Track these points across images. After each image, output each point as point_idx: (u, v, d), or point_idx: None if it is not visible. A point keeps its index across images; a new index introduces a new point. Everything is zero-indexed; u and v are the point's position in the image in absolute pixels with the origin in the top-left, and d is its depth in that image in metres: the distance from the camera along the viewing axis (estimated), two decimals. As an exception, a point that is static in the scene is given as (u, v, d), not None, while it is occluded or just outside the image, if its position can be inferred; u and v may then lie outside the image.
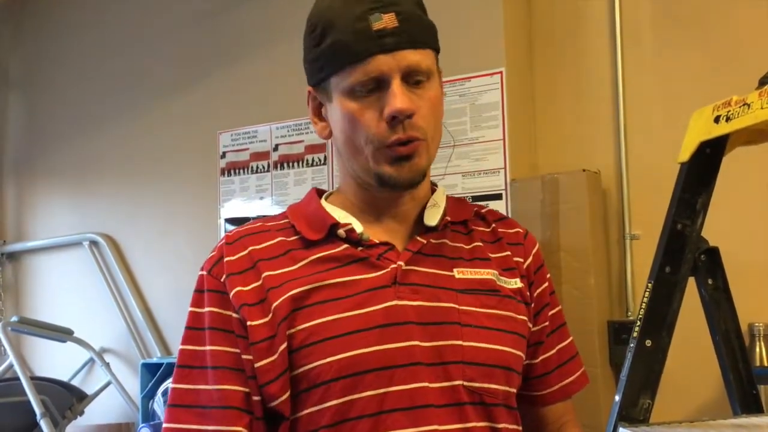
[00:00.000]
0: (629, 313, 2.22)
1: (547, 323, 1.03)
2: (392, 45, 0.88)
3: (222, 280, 0.94)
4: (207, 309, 0.94)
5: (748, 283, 1.70)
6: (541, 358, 1.02)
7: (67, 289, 3.24)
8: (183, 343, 0.95)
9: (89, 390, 2.87)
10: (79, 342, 2.92)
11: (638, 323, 1.27)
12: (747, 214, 2.10)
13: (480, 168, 2.27)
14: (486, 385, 0.91)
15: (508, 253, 1.02)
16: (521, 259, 1.02)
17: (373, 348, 0.88)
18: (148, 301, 2.98)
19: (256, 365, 0.90)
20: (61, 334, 2.87)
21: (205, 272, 0.96)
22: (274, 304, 0.91)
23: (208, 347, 0.92)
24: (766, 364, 1.88)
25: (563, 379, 1.03)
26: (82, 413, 2.81)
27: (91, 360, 3.03)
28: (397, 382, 0.87)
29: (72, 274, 3.22)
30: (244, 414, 0.90)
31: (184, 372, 0.94)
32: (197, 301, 0.96)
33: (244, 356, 0.91)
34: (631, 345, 1.27)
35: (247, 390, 0.90)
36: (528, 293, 1.01)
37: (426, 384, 0.88)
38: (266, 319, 0.90)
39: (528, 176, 2.26)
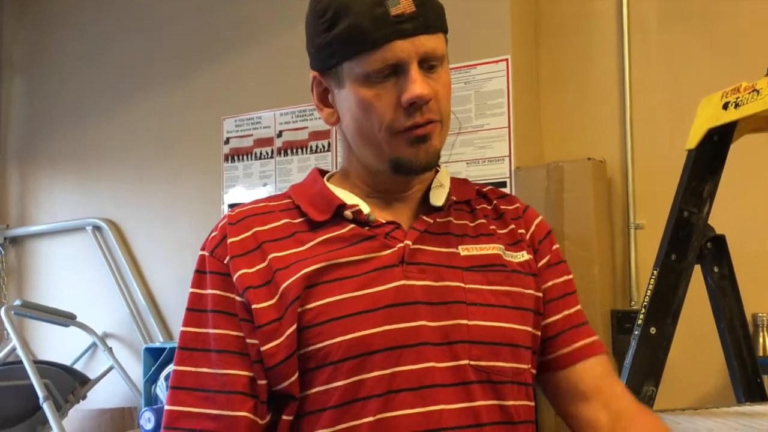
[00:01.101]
0: (633, 303, 2.21)
1: (551, 285, 1.01)
2: (410, 31, 0.87)
3: (225, 261, 0.92)
4: (209, 291, 0.92)
5: (752, 273, 1.69)
6: (548, 321, 1.00)
7: (70, 274, 3.25)
8: (185, 325, 0.93)
9: (92, 375, 2.88)
10: (82, 326, 2.93)
11: (643, 311, 1.27)
12: (754, 202, 2.09)
13: (484, 156, 2.26)
14: (492, 363, 0.90)
15: (512, 227, 1.01)
16: (524, 231, 1.01)
17: (381, 328, 0.87)
18: (150, 286, 2.98)
19: (262, 349, 0.88)
20: (64, 318, 2.87)
21: (207, 253, 0.94)
22: (283, 285, 0.89)
23: (211, 330, 0.91)
24: (769, 355, 1.87)
25: (576, 341, 0.99)
26: (84, 397, 2.81)
27: (93, 345, 3.03)
28: (404, 362, 0.87)
29: (75, 259, 3.23)
30: (248, 398, 0.89)
31: (186, 354, 0.92)
32: (199, 282, 0.94)
33: (248, 340, 0.89)
34: (636, 332, 1.27)
35: (251, 374, 0.89)
36: (535, 264, 1.00)
37: (433, 364, 0.87)
38: (273, 301, 0.89)
39: (533, 164, 2.25)
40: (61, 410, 2.56)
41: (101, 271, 3.08)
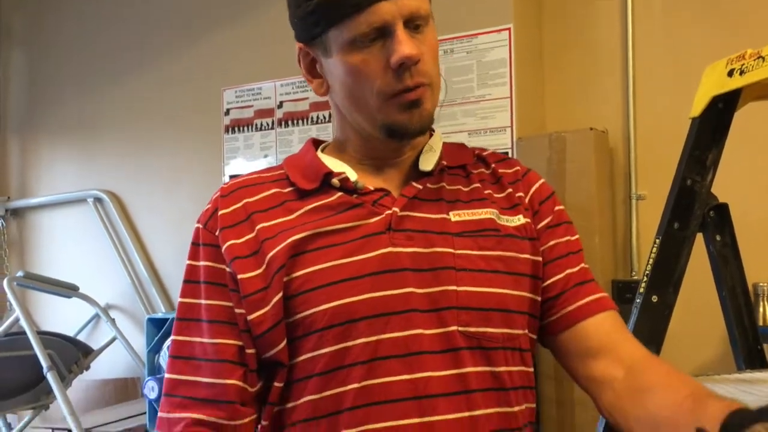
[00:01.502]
0: (634, 273, 2.22)
1: (552, 246, 1.00)
2: None
3: (216, 233, 0.94)
4: (202, 263, 0.94)
5: (753, 243, 1.69)
6: (549, 281, 0.98)
7: (71, 246, 3.25)
8: (181, 296, 0.96)
9: (95, 346, 2.89)
10: (85, 298, 2.94)
11: (645, 279, 1.27)
12: (757, 171, 2.08)
13: (486, 126, 2.25)
14: (482, 329, 0.90)
15: (510, 190, 1.00)
16: (522, 194, 1.00)
17: (366, 295, 0.87)
18: (152, 257, 2.99)
19: (249, 318, 0.90)
20: (67, 290, 2.88)
21: (200, 225, 0.97)
22: (269, 255, 0.90)
23: (203, 301, 0.93)
24: (769, 324, 1.88)
25: (580, 298, 0.96)
26: (88, 368, 2.83)
27: (96, 316, 3.05)
28: (391, 329, 0.87)
29: (76, 231, 3.23)
30: (237, 367, 0.91)
31: (183, 324, 0.95)
32: (193, 255, 0.96)
33: (237, 310, 0.91)
34: (637, 301, 1.27)
35: (240, 343, 0.91)
36: (533, 228, 0.99)
37: (421, 331, 0.88)
38: (260, 271, 0.90)
39: (535, 134, 2.24)
40: (64, 380, 2.58)
41: (103, 243, 3.09)
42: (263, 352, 0.91)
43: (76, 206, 3.23)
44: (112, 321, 2.92)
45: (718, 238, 1.29)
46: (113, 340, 2.91)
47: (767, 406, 0.65)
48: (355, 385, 0.87)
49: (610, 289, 2.15)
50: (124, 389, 2.82)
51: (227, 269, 0.92)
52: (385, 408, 0.86)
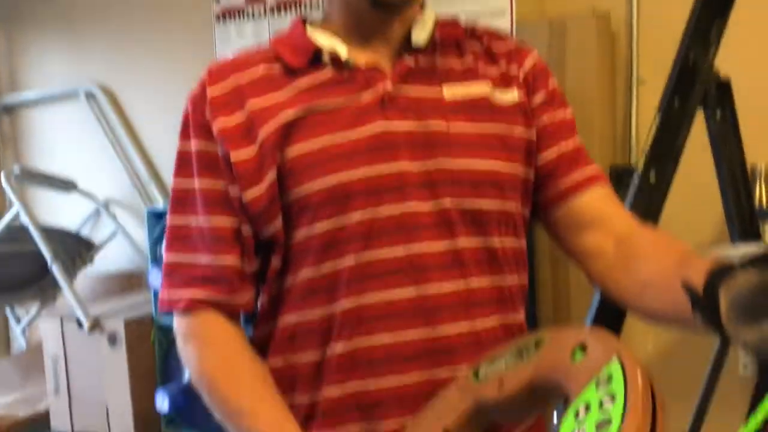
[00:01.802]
0: (633, 160, 2.21)
1: (546, 120, 0.99)
2: None
3: (206, 113, 0.93)
4: (193, 143, 0.94)
5: (754, 122, 1.67)
6: (543, 155, 0.99)
7: (66, 143, 3.23)
8: (174, 179, 0.97)
9: (96, 241, 2.93)
10: (84, 193, 2.94)
11: (644, 157, 1.27)
12: (762, 48, 2.03)
13: (483, 8, 2.18)
14: (476, 203, 0.91)
15: (503, 65, 0.98)
16: (515, 69, 0.99)
17: (360, 170, 0.88)
18: (148, 150, 2.98)
19: (244, 195, 0.91)
20: (65, 185, 2.88)
21: (189, 106, 0.96)
22: (262, 132, 0.90)
23: (196, 181, 0.93)
24: (765, 206, 1.89)
25: (574, 171, 0.96)
26: (92, 261, 2.88)
27: (96, 212, 3.06)
28: (385, 203, 0.88)
29: (70, 127, 3.20)
30: (234, 246, 0.92)
31: (178, 207, 0.95)
32: (184, 136, 0.96)
33: (231, 189, 0.91)
34: (635, 179, 1.27)
35: (236, 223, 0.92)
36: (527, 102, 0.98)
37: (415, 204, 0.88)
38: (252, 148, 0.90)
39: (535, 19, 2.18)
40: (69, 274, 2.62)
41: (97, 138, 3.06)
42: (259, 230, 0.92)
43: (68, 102, 3.18)
44: (113, 215, 2.94)
45: (718, 115, 1.28)
46: (115, 233, 2.94)
47: (751, 255, 0.67)
48: (351, 260, 0.88)
49: (608, 175, 2.15)
50: (128, 282, 2.87)
51: (219, 148, 0.92)
52: (381, 281, 0.88)
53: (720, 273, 0.70)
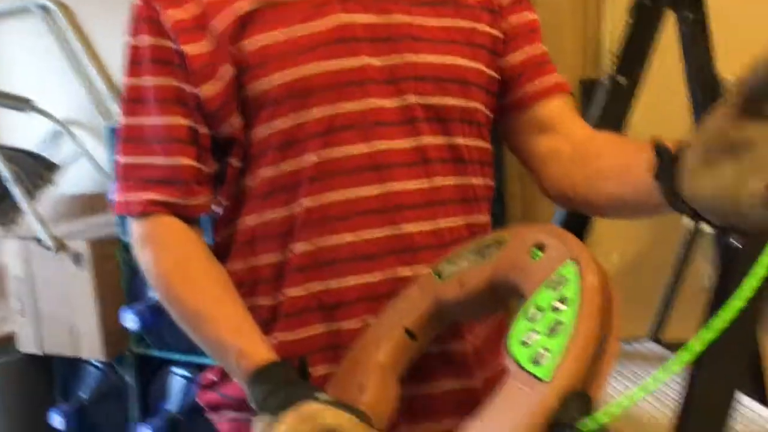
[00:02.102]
0: (603, 73, 2.19)
1: (512, 22, 0.97)
2: None
3: (156, 6, 0.89)
4: (143, 39, 0.90)
5: (725, 32, 1.65)
6: (508, 58, 0.97)
7: (21, 60, 3.11)
8: (125, 75, 0.93)
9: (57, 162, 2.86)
10: (40, 111, 2.85)
11: (614, 60, 1.25)
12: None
13: None
14: (440, 100, 0.89)
15: None
16: None
17: (319, 65, 0.85)
18: (106, 66, 2.88)
19: (200, 92, 0.88)
20: (18, 102, 2.78)
21: (138, 0, 0.91)
22: (216, 25, 0.87)
23: (149, 80, 0.90)
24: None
25: (537, 78, 0.96)
26: (53, 182, 2.81)
27: (54, 131, 2.97)
28: (347, 100, 0.86)
29: (25, 43, 3.07)
30: (190, 146, 0.89)
31: (130, 106, 0.92)
32: (134, 32, 0.92)
33: (186, 86, 0.88)
34: (604, 82, 1.26)
35: (192, 123, 0.89)
36: (494, 1, 0.95)
37: (378, 101, 0.86)
38: (207, 42, 0.87)
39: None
40: (30, 195, 2.56)
41: (54, 56, 2.95)
42: (217, 129, 0.90)
43: (21, 18, 3.04)
44: (72, 135, 2.86)
45: (690, 15, 1.25)
46: (77, 154, 2.87)
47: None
48: (313, 157, 0.86)
49: (578, 90, 2.13)
50: (91, 203, 2.82)
51: (171, 45, 0.88)
52: (343, 179, 0.87)
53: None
